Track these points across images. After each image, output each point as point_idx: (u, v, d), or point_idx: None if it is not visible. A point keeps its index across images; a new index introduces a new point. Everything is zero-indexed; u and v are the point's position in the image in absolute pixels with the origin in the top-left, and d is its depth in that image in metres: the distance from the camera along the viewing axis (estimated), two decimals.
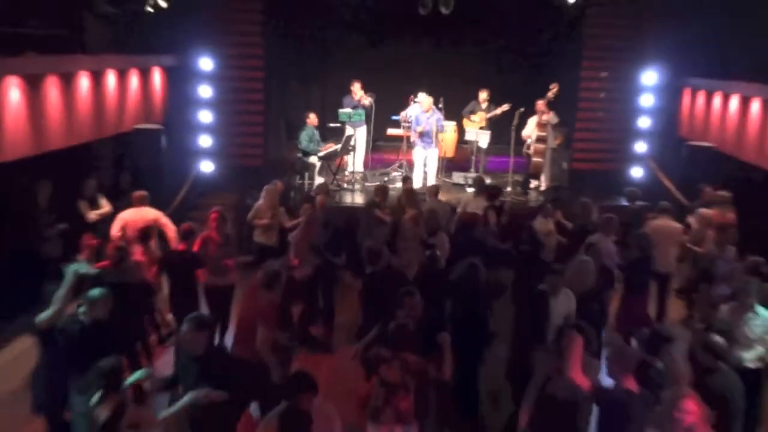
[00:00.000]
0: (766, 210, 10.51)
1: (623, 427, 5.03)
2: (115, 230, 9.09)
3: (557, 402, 5.25)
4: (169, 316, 8.78)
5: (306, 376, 4.98)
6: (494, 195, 10.49)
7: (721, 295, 7.73)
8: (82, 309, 5.96)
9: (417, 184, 12.77)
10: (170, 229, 9.33)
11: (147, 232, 8.67)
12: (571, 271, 7.26)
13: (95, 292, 5.97)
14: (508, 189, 13.35)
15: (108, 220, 10.09)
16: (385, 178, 13.73)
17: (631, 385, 5.23)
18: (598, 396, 5.26)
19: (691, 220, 9.97)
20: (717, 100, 12.77)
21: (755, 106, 11.30)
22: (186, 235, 8.36)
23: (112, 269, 7.32)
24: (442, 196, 11.19)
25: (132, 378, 5.00)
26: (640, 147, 14.60)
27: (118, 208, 10.03)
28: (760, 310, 6.64)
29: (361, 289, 7.92)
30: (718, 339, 5.81)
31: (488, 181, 12.77)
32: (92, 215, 10.06)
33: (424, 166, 13.16)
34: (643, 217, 10.02)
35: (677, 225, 9.59)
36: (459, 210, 10.61)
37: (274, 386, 5.40)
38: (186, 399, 5.17)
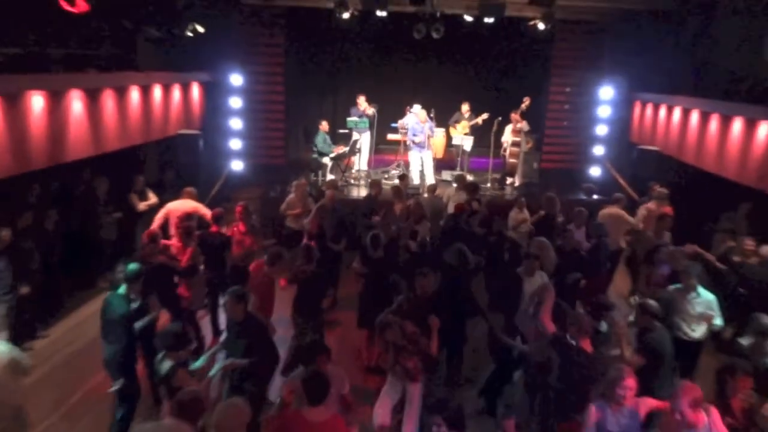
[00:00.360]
0: (701, 201, 10.56)
1: (574, 378, 5.14)
2: (158, 216, 9.11)
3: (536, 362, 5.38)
4: None
5: (321, 342, 5.05)
6: (474, 190, 10.51)
7: (661, 274, 7.75)
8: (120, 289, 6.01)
9: (415, 181, 12.82)
10: (209, 216, 9.41)
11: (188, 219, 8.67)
12: (533, 248, 7.44)
13: (131, 266, 6.04)
14: (488, 185, 13.40)
15: (154, 210, 10.15)
16: (386, 176, 13.78)
17: (587, 346, 5.33)
18: (555, 344, 5.37)
19: (639, 211, 10.01)
20: (662, 112, 12.75)
21: (694, 116, 11.31)
22: (217, 219, 8.42)
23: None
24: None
25: (195, 365, 5.12)
26: (598, 150, 14.63)
27: (163, 200, 10.09)
28: (701, 290, 6.61)
29: (366, 272, 7.91)
30: (653, 303, 5.93)
31: (470, 178, 12.84)
32: (141, 206, 10.11)
33: (421, 167, 13.20)
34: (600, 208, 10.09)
35: (623, 212, 9.68)
36: (444, 201, 10.63)
37: (295, 350, 5.43)
38: (219, 365, 5.28)
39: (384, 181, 13.35)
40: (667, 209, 9.68)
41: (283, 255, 6.92)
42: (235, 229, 8.61)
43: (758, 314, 5.89)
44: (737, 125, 9.86)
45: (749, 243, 7.45)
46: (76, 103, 8.66)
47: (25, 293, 7.52)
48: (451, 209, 9.96)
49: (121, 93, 9.91)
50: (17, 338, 7.62)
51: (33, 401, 6.58)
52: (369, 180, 13.35)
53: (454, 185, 11.20)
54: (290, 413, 4.40)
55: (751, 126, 9.46)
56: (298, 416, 4.27)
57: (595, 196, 11.96)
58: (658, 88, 12.93)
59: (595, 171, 14.57)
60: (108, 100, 9.52)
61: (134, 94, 10.35)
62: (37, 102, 7.79)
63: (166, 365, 4.88)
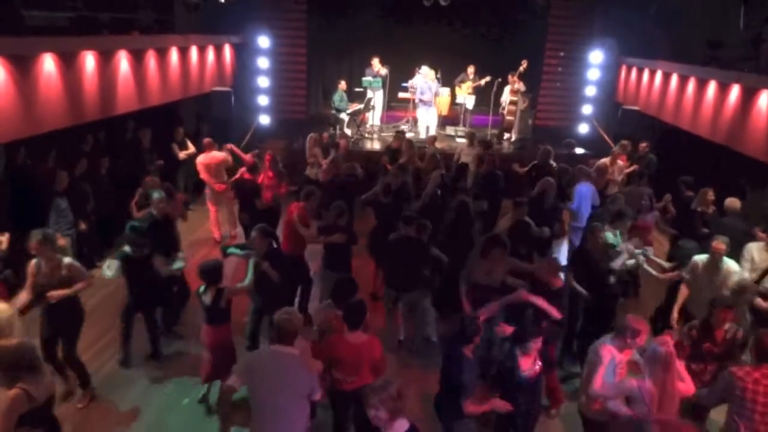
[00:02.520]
0: (678, 156, 10.59)
1: None
2: (201, 172, 9.27)
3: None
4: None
5: (351, 280, 5.25)
6: (488, 146, 10.54)
7: None
8: None
9: (421, 135, 12.81)
10: (238, 152, 9.69)
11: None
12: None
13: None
14: (487, 139, 13.39)
15: (192, 158, 10.30)
16: (396, 131, 13.80)
17: None
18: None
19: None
20: (645, 75, 12.65)
21: (673, 79, 11.23)
22: (251, 169, 8.55)
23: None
24: (438, 144, 11.27)
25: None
26: (587, 109, 14.56)
27: (199, 150, 10.21)
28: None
29: (377, 215, 8.05)
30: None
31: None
32: (181, 154, 10.26)
33: (427, 123, 13.21)
34: (586, 162, 10.11)
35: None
36: (456, 156, 10.60)
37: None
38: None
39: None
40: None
41: (316, 190, 7.15)
42: (264, 175, 8.75)
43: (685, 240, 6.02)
44: (711, 88, 9.81)
45: (710, 194, 7.52)
46: (122, 62, 8.72)
47: (84, 230, 7.76)
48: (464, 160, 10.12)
49: (162, 53, 9.92)
50: None
51: (94, 320, 6.91)
52: (381, 134, 13.48)
53: (461, 140, 11.16)
54: (334, 338, 4.58)
55: (723, 89, 9.42)
56: (341, 339, 4.49)
57: (578, 150, 11.94)
58: (643, 53, 12.79)
59: (583, 128, 14.52)
60: (150, 59, 9.55)
61: (173, 55, 10.36)
62: (89, 61, 7.87)
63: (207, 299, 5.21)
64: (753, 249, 6.30)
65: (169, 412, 5.64)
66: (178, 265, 6.43)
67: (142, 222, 6.50)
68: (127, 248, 5.98)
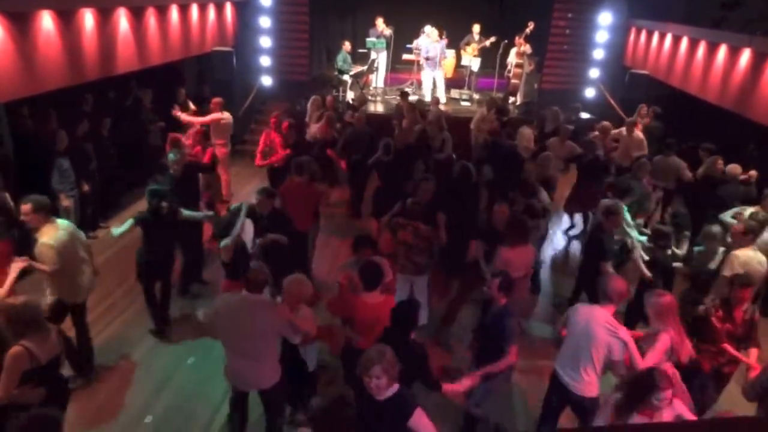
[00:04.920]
0: (685, 121, 10.51)
1: None
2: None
3: None
4: None
5: (369, 236, 5.36)
6: (504, 112, 10.44)
7: None
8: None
9: (426, 98, 12.66)
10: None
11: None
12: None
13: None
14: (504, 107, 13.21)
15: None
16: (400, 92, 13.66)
17: None
18: None
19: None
20: (655, 38, 12.45)
21: (684, 43, 11.05)
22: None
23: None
24: (442, 107, 11.18)
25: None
26: (594, 73, 14.35)
27: (201, 112, 10.15)
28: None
29: (380, 173, 8.10)
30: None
31: (476, 96, 12.71)
32: (183, 117, 10.16)
33: (433, 85, 13.03)
34: (590, 126, 10.04)
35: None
36: (474, 121, 10.58)
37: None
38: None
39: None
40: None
41: (309, 163, 7.04)
42: (267, 134, 8.76)
43: (708, 226, 5.86)
44: (722, 52, 9.66)
45: (720, 162, 7.48)
46: (122, 21, 8.58)
47: (87, 191, 7.77)
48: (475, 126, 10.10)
49: (162, 12, 9.74)
50: (82, 229, 7.95)
51: (99, 281, 6.96)
52: (385, 97, 13.36)
53: (465, 104, 11.03)
54: (350, 296, 4.65)
55: (734, 53, 9.28)
56: (357, 299, 4.55)
57: (583, 115, 11.82)
58: (653, 15, 12.57)
59: (589, 92, 14.35)
60: (150, 18, 9.38)
61: (174, 13, 10.16)
62: (88, 19, 7.75)
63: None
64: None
65: (175, 370, 5.75)
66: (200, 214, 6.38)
67: (161, 185, 6.42)
68: (146, 213, 5.93)
